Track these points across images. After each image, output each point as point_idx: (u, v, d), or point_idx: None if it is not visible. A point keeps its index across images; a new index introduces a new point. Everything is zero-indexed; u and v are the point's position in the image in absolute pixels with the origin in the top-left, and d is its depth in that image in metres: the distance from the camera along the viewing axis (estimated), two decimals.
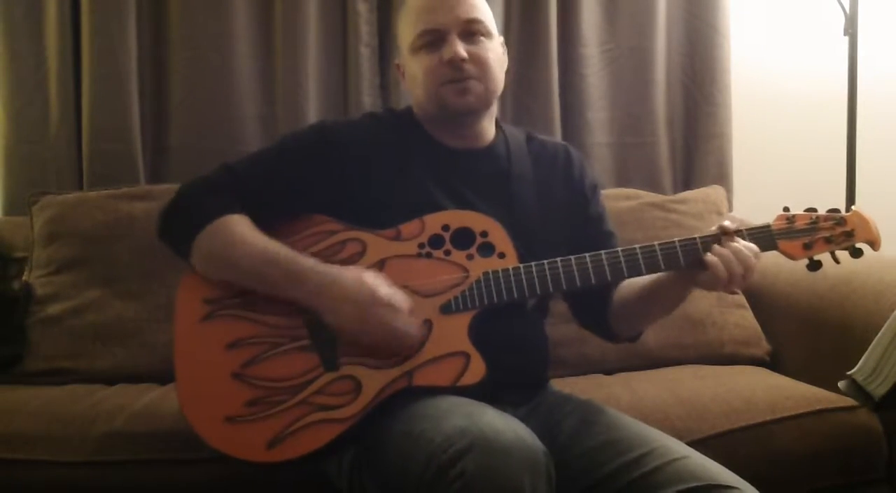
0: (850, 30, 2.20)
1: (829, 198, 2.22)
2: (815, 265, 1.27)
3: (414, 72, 1.40)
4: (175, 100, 2.15)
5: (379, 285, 1.25)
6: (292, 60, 2.14)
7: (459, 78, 1.35)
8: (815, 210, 1.27)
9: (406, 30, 1.42)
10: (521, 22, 2.23)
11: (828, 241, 1.25)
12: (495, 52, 1.41)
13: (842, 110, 2.22)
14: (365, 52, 2.17)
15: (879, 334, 1.14)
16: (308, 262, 1.27)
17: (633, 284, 1.38)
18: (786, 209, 1.28)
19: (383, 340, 1.24)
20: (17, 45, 2.11)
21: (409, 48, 1.41)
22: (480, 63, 1.37)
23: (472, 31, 1.37)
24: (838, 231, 1.25)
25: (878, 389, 1.12)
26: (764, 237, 1.25)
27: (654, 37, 2.28)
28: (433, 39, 1.37)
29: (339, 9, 2.19)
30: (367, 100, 2.17)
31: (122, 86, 2.09)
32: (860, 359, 1.16)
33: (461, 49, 1.35)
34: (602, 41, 2.28)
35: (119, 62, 2.08)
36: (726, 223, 1.26)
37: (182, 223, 1.34)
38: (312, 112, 2.15)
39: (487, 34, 1.40)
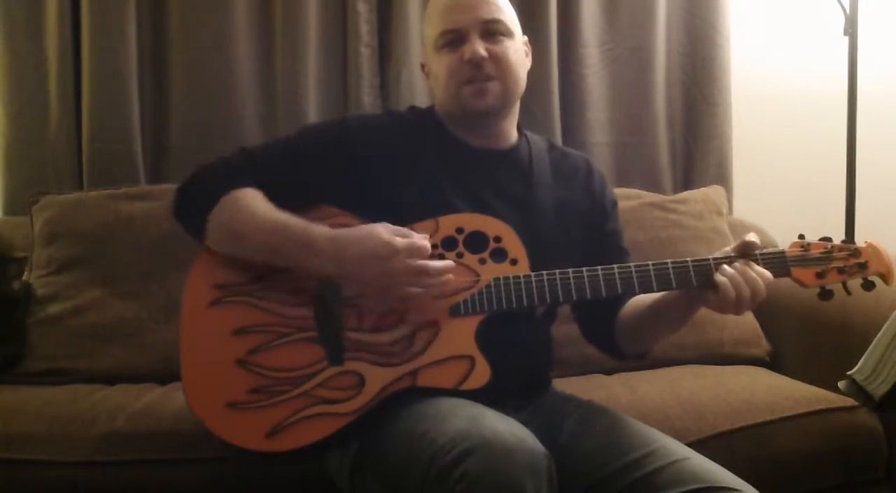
0: (850, 30, 2.20)
1: (829, 198, 2.25)
2: (826, 294, 1.27)
3: (436, 70, 1.41)
4: (175, 100, 2.15)
5: (392, 236, 1.23)
6: (292, 60, 2.14)
7: (479, 77, 1.36)
8: (829, 239, 1.28)
9: (429, 28, 1.43)
10: (521, 22, 2.21)
11: (841, 271, 1.26)
12: (516, 51, 1.41)
13: (842, 110, 2.22)
14: (365, 52, 2.17)
15: (879, 334, 1.14)
16: (320, 230, 1.26)
17: (639, 301, 1.38)
18: (801, 236, 1.29)
19: (410, 283, 1.23)
20: (17, 45, 2.11)
21: (431, 47, 1.42)
22: (500, 62, 1.37)
23: (492, 30, 1.38)
24: (852, 262, 1.26)
25: (878, 389, 1.12)
26: (777, 263, 1.25)
27: (654, 37, 2.28)
28: (454, 38, 1.37)
29: (339, 9, 2.19)
30: (367, 100, 2.17)
31: (122, 86, 2.09)
32: (860, 359, 1.16)
33: (481, 48, 1.35)
34: (602, 41, 2.28)
35: (119, 62, 2.08)
36: (747, 238, 1.25)
37: (197, 199, 1.34)
38: (312, 112, 2.15)
39: (508, 34, 1.40)
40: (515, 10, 2.22)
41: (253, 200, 1.31)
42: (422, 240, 1.24)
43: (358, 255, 1.23)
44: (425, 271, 1.23)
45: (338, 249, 1.24)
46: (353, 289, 1.27)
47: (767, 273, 1.23)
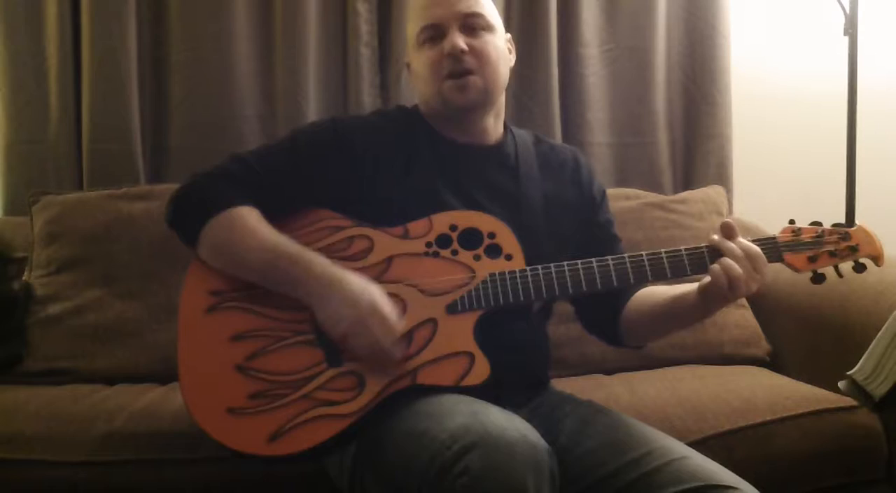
0: (850, 30, 2.20)
1: (829, 198, 2.25)
2: (818, 278, 1.28)
3: (418, 67, 1.42)
4: (175, 100, 2.15)
5: (383, 300, 1.24)
6: (292, 60, 2.15)
7: (459, 71, 1.36)
8: (820, 224, 1.29)
9: (411, 25, 1.44)
10: (521, 22, 2.23)
11: (832, 255, 1.27)
12: (496, 46, 1.41)
13: (842, 110, 2.22)
14: (365, 52, 2.17)
15: (879, 334, 1.14)
16: (316, 260, 1.27)
17: (653, 298, 1.38)
18: (791, 222, 1.29)
19: (368, 351, 1.24)
20: (17, 45, 2.11)
21: (413, 44, 1.43)
22: (480, 56, 1.38)
23: (472, 24, 1.39)
24: (843, 246, 1.27)
25: (878, 389, 1.12)
26: (769, 249, 1.26)
27: (654, 37, 2.28)
28: (434, 34, 1.38)
29: (339, 9, 2.19)
30: (367, 100, 2.17)
31: (122, 86, 2.09)
32: (860, 359, 1.16)
33: (461, 41, 1.36)
34: (602, 41, 2.29)
35: (119, 62, 2.08)
36: (724, 221, 1.27)
37: (191, 212, 1.34)
38: (312, 112, 2.15)
39: (489, 28, 1.41)
40: (516, 10, 2.25)
41: (250, 220, 1.30)
42: (398, 324, 1.24)
43: (344, 294, 1.23)
44: (381, 349, 1.23)
45: (330, 282, 1.24)
46: (323, 320, 1.26)
47: (755, 247, 1.23)
